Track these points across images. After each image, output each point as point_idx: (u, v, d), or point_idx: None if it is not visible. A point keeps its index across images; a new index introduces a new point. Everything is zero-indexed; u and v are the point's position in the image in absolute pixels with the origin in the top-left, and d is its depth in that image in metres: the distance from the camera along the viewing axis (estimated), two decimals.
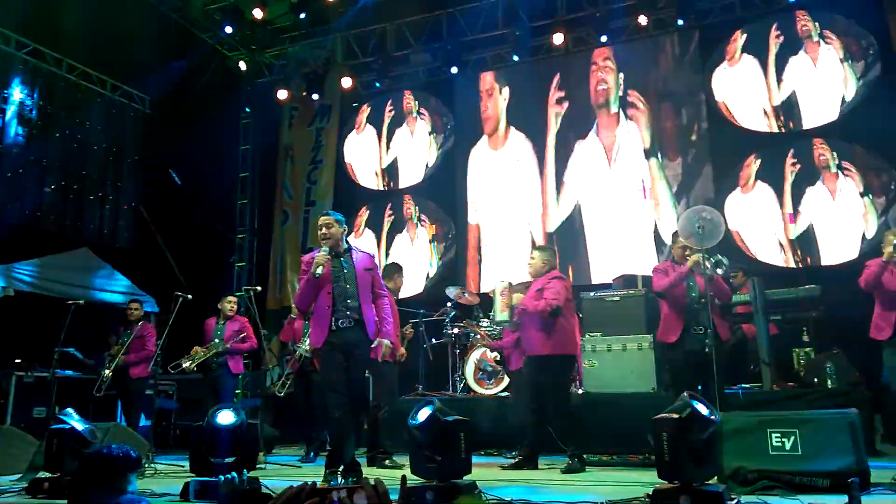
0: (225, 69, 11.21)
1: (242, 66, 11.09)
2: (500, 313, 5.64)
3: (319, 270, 4.32)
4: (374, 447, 5.75)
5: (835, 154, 8.32)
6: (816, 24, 8.69)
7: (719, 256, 5.26)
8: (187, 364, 6.75)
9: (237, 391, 7.26)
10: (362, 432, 5.88)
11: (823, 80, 8.55)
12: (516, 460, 5.43)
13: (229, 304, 7.01)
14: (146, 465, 5.27)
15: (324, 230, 4.44)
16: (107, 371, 6.99)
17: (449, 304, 8.11)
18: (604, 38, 9.47)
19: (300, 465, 6.11)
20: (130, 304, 7.53)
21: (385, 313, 4.54)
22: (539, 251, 5.68)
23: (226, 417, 3.75)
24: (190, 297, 6.65)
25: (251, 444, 3.92)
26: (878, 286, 5.21)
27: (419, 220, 10.56)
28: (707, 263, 5.13)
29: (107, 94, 10.61)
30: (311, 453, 6.55)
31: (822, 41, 8.64)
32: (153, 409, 7.69)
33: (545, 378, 5.31)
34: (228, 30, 10.66)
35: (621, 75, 9.57)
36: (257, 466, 5.05)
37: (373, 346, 4.41)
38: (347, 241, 4.62)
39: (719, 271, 5.22)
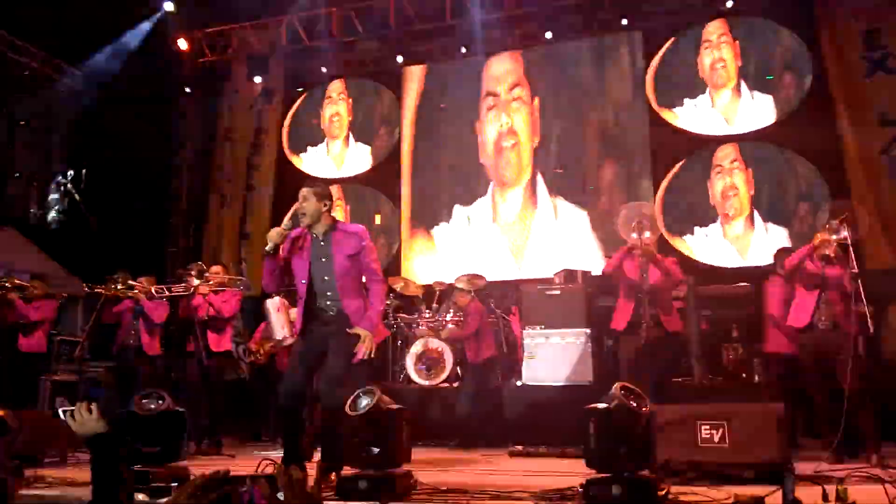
0: (164, 47, 10.80)
1: (183, 44, 10.71)
2: (280, 329, 5.96)
3: (270, 245, 3.82)
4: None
5: (768, 157, 8.63)
6: (752, 31, 8.96)
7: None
8: None
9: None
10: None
11: (759, 87, 8.83)
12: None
13: None
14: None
15: (299, 203, 3.88)
16: None
17: (391, 294, 8.06)
18: (549, 35, 9.56)
19: (233, 455, 5.97)
20: (31, 281, 7.24)
21: (373, 302, 3.89)
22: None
23: (150, 404, 3.59)
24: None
25: (178, 432, 3.76)
26: (801, 272, 5.25)
27: (365, 210, 10.44)
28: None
29: (36, 66, 10.09)
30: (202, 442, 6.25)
31: (757, 48, 8.92)
32: (81, 396, 7.37)
33: None
34: (169, 6, 10.28)
35: (567, 72, 9.66)
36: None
37: (352, 333, 3.77)
38: (332, 219, 3.97)
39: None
